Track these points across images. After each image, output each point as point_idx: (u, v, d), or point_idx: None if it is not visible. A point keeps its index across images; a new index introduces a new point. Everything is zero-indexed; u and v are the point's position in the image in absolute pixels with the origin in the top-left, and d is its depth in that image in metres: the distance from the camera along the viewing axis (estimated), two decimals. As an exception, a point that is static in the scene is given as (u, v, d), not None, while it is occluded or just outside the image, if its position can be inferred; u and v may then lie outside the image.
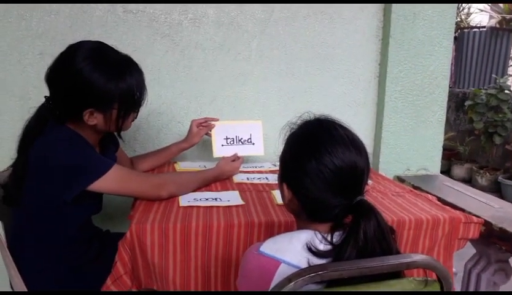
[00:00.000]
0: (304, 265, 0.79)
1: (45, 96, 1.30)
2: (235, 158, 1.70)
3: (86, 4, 1.82)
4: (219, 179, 1.62)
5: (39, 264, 1.28)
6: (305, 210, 0.88)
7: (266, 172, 1.82)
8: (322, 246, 0.81)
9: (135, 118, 1.40)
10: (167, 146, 1.80)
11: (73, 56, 1.22)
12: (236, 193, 1.48)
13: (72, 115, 1.26)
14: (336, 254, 0.78)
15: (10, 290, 1.27)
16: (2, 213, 1.42)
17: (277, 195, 1.46)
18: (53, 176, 1.20)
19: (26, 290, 1.16)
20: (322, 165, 0.82)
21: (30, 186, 1.24)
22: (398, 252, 0.82)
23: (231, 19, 1.95)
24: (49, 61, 1.80)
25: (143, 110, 1.90)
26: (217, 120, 1.79)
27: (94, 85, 1.21)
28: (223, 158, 1.68)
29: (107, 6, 1.84)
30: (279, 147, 0.94)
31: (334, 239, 0.82)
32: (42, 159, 1.21)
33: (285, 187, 0.91)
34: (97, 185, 1.23)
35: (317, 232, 0.83)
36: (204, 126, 1.77)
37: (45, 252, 1.29)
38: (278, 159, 1.96)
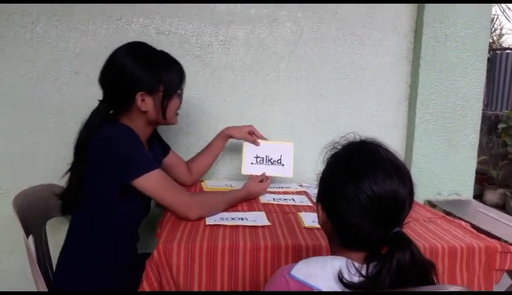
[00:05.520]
0: None
1: (99, 100, 1.40)
2: (263, 179, 1.69)
3: (120, 26, 1.89)
4: (247, 199, 1.62)
5: (87, 263, 1.35)
6: (338, 235, 0.84)
7: (292, 193, 1.80)
8: (354, 277, 0.77)
9: (179, 107, 1.48)
10: (212, 140, 1.84)
11: (120, 48, 1.40)
12: (262, 213, 1.47)
13: (125, 105, 1.37)
14: (369, 286, 0.75)
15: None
16: (35, 226, 1.46)
17: (303, 217, 1.44)
18: (106, 165, 1.28)
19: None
20: (360, 190, 0.78)
21: (88, 182, 1.33)
22: None
23: (261, 41, 1.97)
24: (84, 79, 1.89)
25: (172, 130, 1.94)
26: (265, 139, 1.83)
27: (141, 67, 1.35)
28: (251, 178, 1.67)
29: (140, 28, 1.90)
30: (318, 167, 0.91)
31: (369, 270, 0.77)
32: (98, 150, 1.29)
33: (319, 208, 0.88)
34: (140, 182, 1.29)
35: (350, 262, 0.79)
36: (253, 137, 1.79)
37: (93, 250, 1.35)
38: (305, 180, 1.97)
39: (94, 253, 1.34)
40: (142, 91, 1.35)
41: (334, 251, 0.88)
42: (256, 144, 1.78)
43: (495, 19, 6.24)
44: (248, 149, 1.78)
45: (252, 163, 1.77)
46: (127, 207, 1.36)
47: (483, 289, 1.28)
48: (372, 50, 2.04)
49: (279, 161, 1.79)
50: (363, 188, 0.77)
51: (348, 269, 0.78)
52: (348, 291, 0.75)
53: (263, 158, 1.78)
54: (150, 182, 1.30)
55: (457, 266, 1.25)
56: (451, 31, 1.97)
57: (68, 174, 1.39)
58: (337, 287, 0.76)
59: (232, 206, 1.53)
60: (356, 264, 0.79)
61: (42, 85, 1.88)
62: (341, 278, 0.76)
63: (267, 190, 1.72)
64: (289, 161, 1.79)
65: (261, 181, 1.68)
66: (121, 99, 1.38)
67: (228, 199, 1.52)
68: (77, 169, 1.35)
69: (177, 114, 1.49)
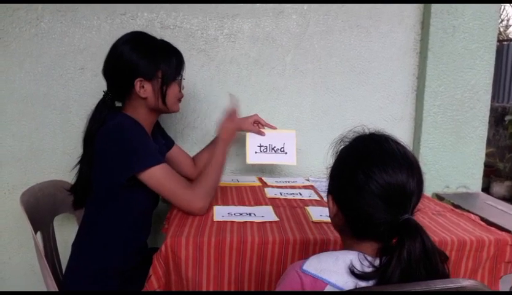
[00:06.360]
0: (350, 288, 0.76)
1: (104, 91, 1.42)
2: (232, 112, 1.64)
3: (125, 21, 1.88)
4: (226, 140, 1.54)
5: (98, 252, 1.37)
6: (350, 226, 0.85)
7: (299, 187, 1.79)
8: (367, 268, 0.77)
9: (181, 94, 1.48)
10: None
11: (120, 37, 1.43)
12: (270, 208, 1.47)
13: (127, 93, 1.39)
14: (380, 275, 0.75)
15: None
16: (43, 222, 1.46)
17: (311, 211, 1.43)
18: (113, 157, 1.29)
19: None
20: (370, 178, 0.78)
21: (96, 173, 1.34)
22: (445, 277, 0.77)
23: (266, 34, 1.96)
24: (89, 75, 1.89)
25: (179, 124, 1.94)
26: (275, 128, 1.79)
27: (138, 54, 1.36)
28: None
29: (145, 22, 1.89)
30: (327, 161, 0.91)
31: (382, 262, 0.77)
32: (104, 142, 1.31)
33: (330, 199, 0.88)
34: (144, 176, 1.30)
35: (362, 255, 0.79)
36: (258, 126, 1.77)
37: (105, 242, 1.37)
38: (311, 174, 1.96)
39: (106, 245, 1.36)
40: (140, 77, 1.36)
41: (346, 244, 0.88)
42: (262, 134, 1.78)
43: (501, 10, 6.17)
44: (251, 139, 1.78)
45: (256, 152, 1.77)
46: (135, 198, 1.36)
47: (487, 280, 1.28)
48: (379, 42, 2.02)
49: (282, 149, 1.79)
50: (373, 176, 0.79)
51: (360, 262, 0.78)
52: (361, 287, 0.74)
53: (266, 146, 1.78)
54: (153, 177, 1.31)
55: (464, 257, 1.25)
56: (459, 22, 1.94)
57: (77, 168, 1.40)
58: (351, 281, 0.76)
59: (223, 164, 1.49)
60: (369, 258, 0.79)
61: (47, 81, 1.88)
62: (352, 270, 0.76)
63: (272, 184, 1.71)
64: (292, 148, 1.79)
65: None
66: (122, 87, 1.39)
67: (217, 165, 1.46)
68: (85, 161, 1.37)
69: (179, 101, 1.49)
